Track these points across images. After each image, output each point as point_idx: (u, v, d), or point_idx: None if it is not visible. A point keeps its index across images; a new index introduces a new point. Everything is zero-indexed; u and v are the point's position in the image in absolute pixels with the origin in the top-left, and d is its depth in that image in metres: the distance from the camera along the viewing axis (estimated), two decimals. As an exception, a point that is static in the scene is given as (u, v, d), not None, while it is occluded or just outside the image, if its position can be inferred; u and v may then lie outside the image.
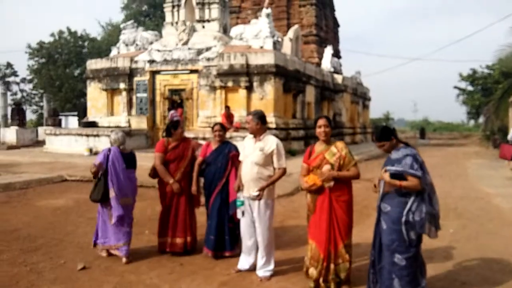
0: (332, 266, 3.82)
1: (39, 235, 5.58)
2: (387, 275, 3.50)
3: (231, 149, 4.77)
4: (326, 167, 3.83)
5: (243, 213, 4.30)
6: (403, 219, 3.39)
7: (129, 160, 4.93)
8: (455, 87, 32.97)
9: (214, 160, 4.76)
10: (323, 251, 3.82)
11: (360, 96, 25.74)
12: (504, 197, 8.47)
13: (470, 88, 31.93)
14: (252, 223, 4.30)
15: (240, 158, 4.50)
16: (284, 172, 4.22)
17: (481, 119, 29.62)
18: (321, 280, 3.83)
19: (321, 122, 3.93)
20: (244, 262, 4.42)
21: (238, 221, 4.58)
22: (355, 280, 4.04)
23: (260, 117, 4.28)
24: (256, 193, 4.10)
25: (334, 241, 3.83)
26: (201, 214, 5.34)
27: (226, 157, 4.72)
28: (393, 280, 3.45)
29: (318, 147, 4.01)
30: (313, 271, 3.90)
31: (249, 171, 4.19)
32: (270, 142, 4.21)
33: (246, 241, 4.39)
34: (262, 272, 4.22)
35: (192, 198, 4.99)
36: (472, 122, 38.79)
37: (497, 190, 9.25)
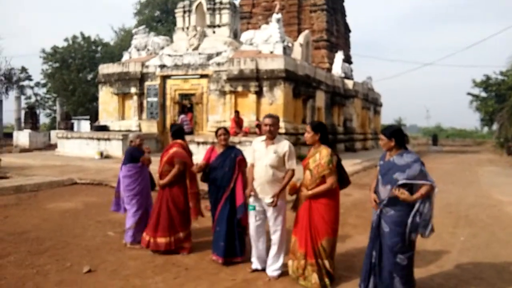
0: (320, 261, 3.99)
1: (47, 237, 5.61)
2: (387, 274, 3.60)
3: (237, 153, 4.74)
4: (304, 192, 4.09)
5: (255, 218, 4.39)
6: (410, 220, 3.48)
7: (125, 156, 5.53)
8: (469, 93, 32.50)
9: (221, 164, 4.72)
10: (302, 247, 4.03)
11: (371, 102, 25.57)
12: (518, 205, 8.29)
13: (483, 94, 31.46)
14: (263, 226, 4.38)
15: (250, 161, 4.50)
16: (293, 173, 4.29)
17: (495, 126, 29.11)
18: (301, 275, 4.03)
19: (306, 127, 4.19)
20: (256, 263, 4.49)
21: (246, 225, 4.65)
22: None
23: (279, 120, 4.47)
24: (270, 200, 4.21)
25: (313, 239, 3.99)
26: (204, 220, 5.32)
27: (233, 162, 4.67)
28: (394, 279, 3.57)
29: (311, 151, 4.21)
30: (291, 263, 4.16)
31: (264, 173, 4.24)
32: (283, 144, 4.30)
33: (258, 244, 4.45)
34: (271, 271, 4.32)
35: (175, 201, 5.04)
36: (485, 129, 38.17)
37: (510, 198, 9.05)
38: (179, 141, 5.21)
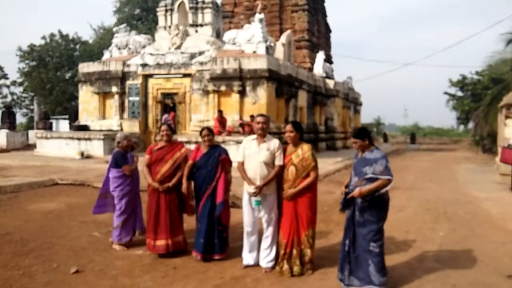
0: (295, 251, 4.31)
1: (31, 238, 5.55)
2: (364, 261, 3.91)
3: (221, 152, 4.83)
4: (289, 191, 4.32)
5: (255, 213, 4.56)
6: (378, 213, 3.90)
7: (111, 159, 5.40)
8: (445, 93, 33.31)
9: (205, 163, 4.81)
10: (285, 237, 4.34)
11: (352, 101, 25.95)
12: (493, 201, 8.60)
13: (460, 93, 32.29)
14: (256, 220, 4.55)
15: (238, 159, 4.62)
16: (280, 168, 4.47)
17: (470, 125, 29.92)
18: (284, 262, 4.33)
19: (288, 127, 4.41)
20: (249, 258, 4.61)
21: (227, 223, 4.83)
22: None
23: (269, 119, 4.70)
24: (253, 190, 4.39)
25: (297, 231, 4.31)
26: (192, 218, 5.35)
27: (216, 161, 4.77)
28: (369, 266, 3.88)
29: (289, 148, 4.48)
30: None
31: (259, 170, 4.45)
32: (273, 141, 4.55)
33: (250, 238, 4.61)
34: (265, 263, 4.50)
35: (178, 201, 5.03)
36: (462, 127, 39.15)
37: (486, 194, 9.38)
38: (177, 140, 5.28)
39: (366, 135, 4.02)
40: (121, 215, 5.29)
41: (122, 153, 5.41)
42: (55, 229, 6.04)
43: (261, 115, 4.60)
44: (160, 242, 4.86)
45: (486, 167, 15.64)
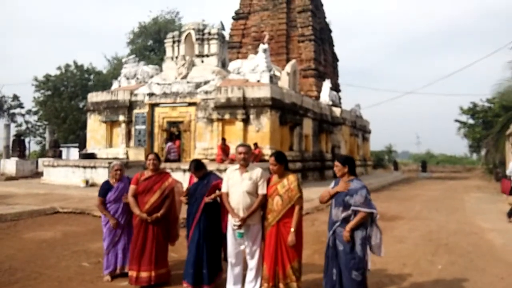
0: (281, 285, 4.16)
1: (19, 268, 5.51)
2: None
3: (209, 181, 4.77)
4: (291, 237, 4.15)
5: (238, 244, 4.46)
6: (360, 242, 3.87)
7: None
8: (456, 120, 33.06)
9: (194, 192, 4.80)
10: (269, 271, 4.20)
11: (360, 129, 25.85)
12: (499, 232, 8.32)
13: (471, 121, 32.00)
14: (239, 251, 4.47)
15: (223, 189, 4.55)
16: (263, 197, 4.37)
17: (483, 152, 29.46)
18: None
19: (270, 160, 4.37)
20: None
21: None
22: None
23: (250, 149, 4.69)
24: (238, 223, 4.29)
25: (282, 263, 4.18)
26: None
27: (203, 190, 4.73)
28: None
29: (275, 178, 4.39)
30: None
31: (242, 200, 4.36)
32: (256, 170, 4.47)
33: (234, 269, 4.51)
34: None
35: (166, 232, 4.97)
36: (475, 155, 38.61)
37: (493, 225, 9.09)
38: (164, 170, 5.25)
39: (348, 163, 4.07)
40: (104, 242, 5.25)
41: (106, 184, 5.39)
42: (46, 259, 6.00)
43: (242, 145, 4.56)
44: (144, 274, 4.75)
45: (498, 197, 15.23)
